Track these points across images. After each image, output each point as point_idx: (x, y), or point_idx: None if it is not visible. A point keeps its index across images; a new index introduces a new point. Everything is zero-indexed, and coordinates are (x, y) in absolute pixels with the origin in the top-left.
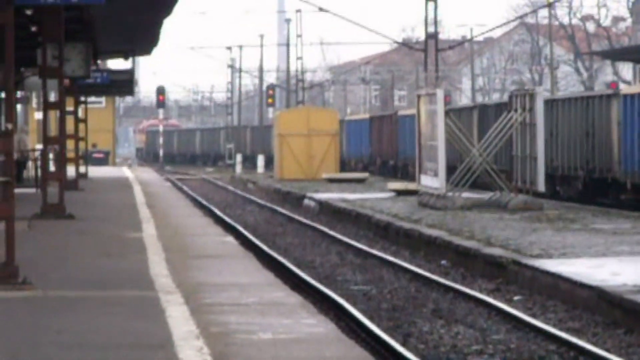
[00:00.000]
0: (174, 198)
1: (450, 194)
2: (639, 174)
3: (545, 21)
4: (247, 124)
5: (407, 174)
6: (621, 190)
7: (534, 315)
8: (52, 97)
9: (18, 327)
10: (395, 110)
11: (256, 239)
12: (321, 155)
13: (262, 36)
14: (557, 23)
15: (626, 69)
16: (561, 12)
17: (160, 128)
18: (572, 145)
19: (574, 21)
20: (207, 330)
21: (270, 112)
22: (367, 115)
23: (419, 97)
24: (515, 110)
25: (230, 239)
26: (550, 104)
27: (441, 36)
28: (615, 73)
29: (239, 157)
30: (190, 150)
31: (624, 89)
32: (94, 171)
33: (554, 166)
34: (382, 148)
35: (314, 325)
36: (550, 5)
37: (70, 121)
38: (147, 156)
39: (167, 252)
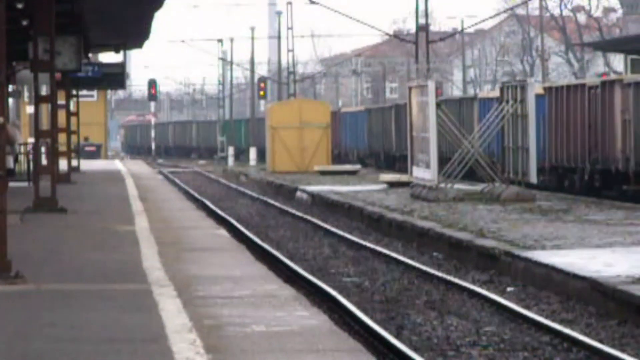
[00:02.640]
0: (166, 191)
1: (442, 185)
2: None
3: (536, 12)
4: (240, 117)
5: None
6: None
7: (527, 307)
8: (44, 90)
9: (11, 321)
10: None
11: (249, 232)
12: (313, 148)
13: (253, 29)
14: (548, 14)
15: (617, 60)
16: (552, 4)
17: (153, 121)
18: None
19: (565, 12)
20: (200, 323)
21: (262, 105)
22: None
23: (410, 88)
24: (507, 102)
25: (223, 231)
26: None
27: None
28: (607, 64)
29: (231, 150)
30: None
31: (480, 94)
32: (86, 164)
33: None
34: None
35: (307, 317)
36: None
37: (62, 115)
38: (128, 149)
39: (159, 245)
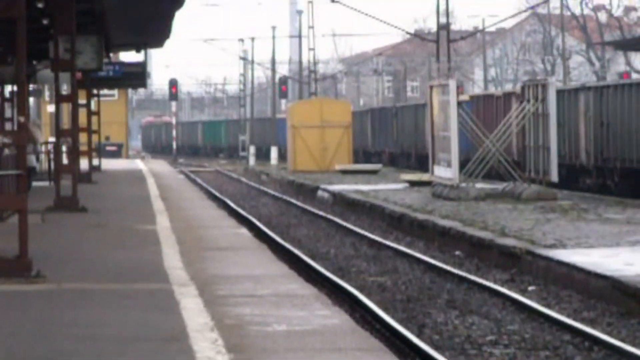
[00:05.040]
0: (187, 190)
1: (463, 184)
2: None
3: (557, 11)
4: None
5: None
6: None
7: (548, 306)
8: (65, 90)
9: (32, 320)
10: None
11: (270, 231)
12: (334, 147)
13: (274, 28)
14: (569, 13)
15: (639, 59)
16: (573, 2)
17: (174, 121)
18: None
19: (586, 11)
20: (222, 322)
21: (283, 104)
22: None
23: (431, 87)
24: (528, 101)
25: (244, 230)
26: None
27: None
28: (628, 63)
29: (252, 149)
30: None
31: (462, 96)
32: (107, 164)
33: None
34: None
35: (329, 316)
36: None
37: (82, 114)
38: (145, 149)
39: (181, 244)
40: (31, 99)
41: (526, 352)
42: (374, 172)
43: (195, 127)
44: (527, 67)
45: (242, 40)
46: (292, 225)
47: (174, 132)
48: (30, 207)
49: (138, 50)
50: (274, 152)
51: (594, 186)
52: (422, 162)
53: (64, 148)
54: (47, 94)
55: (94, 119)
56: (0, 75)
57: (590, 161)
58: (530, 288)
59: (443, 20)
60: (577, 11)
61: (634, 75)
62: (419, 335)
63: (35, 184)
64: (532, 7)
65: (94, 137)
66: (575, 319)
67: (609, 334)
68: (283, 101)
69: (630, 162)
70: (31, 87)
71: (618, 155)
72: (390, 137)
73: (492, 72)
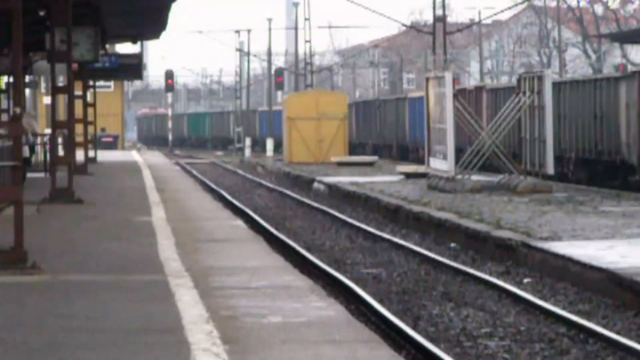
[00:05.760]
0: (183, 182)
1: (459, 176)
2: None
3: (554, 4)
4: (255, 108)
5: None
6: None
7: (543, 298)
8: (61, 81)
9: (27, 312)
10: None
11: (266, 223)
12: (330, 139)
13: (270, 20)
14: (565, 6)
15: (635, 51)
16: None
17: (169, 113)
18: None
19: (582, 3)
20: (217, 314)
21: (279, 96)
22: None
23: (427, 80)
24: (524, 93)
25: (239, 222)
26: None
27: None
28: (624, 55)
29: (247, 141)
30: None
31: (409, 94)
32: (103, 155)
33: None
34: None
35: (324, 308)
36: None
37: (79, 105)
38: (140, 140)
39: (176, 236)
40: (27, 91)
41: (521, 344)
42: (370, 164)
43: (182, 119)
44: (523, 59)
45: (238, 32)
46: (288, 217)
47: (170, 124)
48: (26, 199)
49: (134, 42)
50: (269, 143)
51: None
52: (403, 153)
53: (59, 139)
54: (43, 85)
55: (90, 110)
56: None
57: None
58: (526, 280)
59: (439, 12)
60: (574, 3)
61: (630, 68)
62: (415, 327)
63: (31, 175)
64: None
65: (90, 129)
66: (570, 312)
67: (605, 326)
68: (279, 93)
69: None
70: (27, 78)
71: None
72: (374, 130)
73: (488, 64)
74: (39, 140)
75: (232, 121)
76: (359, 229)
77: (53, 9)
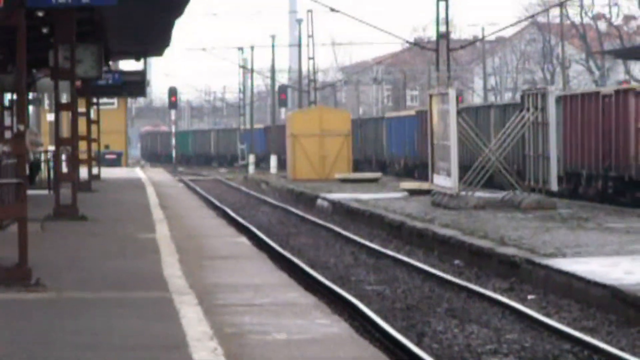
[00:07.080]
0: (187, 199)
1: (463, 193)
2: None
3: (557, 20)
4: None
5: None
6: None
7: (548, 315)
8: (64, 98)
9: (31, 329)
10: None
11: (270, 240)
12: (334, 156)
13: (273, 37)
14: (568, 22)
15: (638, 68)
16: (572, 11)
17: (173, 130)
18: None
19: (586, 20)
20: (221, 331)
21: (283, 113)
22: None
23: (431, 96)
24: (528, 110)
25: (243, 239)
26: None
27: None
28: (627, 72)
29: (251, 158)
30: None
31: (387, 114)
32: (107, 172)
33: None
34: None
35: (328, 325)
36: (561, 5)
37: (82, 122)
38: (144, 157)
39: (180, 253)
40: (31, 108)
41: None
42: (373, 180)
43: (186, 136)
44: (526, 75)
45: (241, 49)
46: (292, 234)
47: (173, 141)
48: (30, 216)
49: (138, 59)
50: (273, 160)
51: None
52: (381, 167)
53: (63, 156)
54: (46, 102)
55: (94, 127)
56: (0, 83)
57: None
58: (530, 297)
59: (443, 29)
60: (577, 20)
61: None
62: (419, 344)
63: (35, 192)
64: (532, 16)
65: (94, 146)
66: (574, 328)
67: (609, 343)
68: (282, 110)
69: None
70: (31, 95)
71: None
72: (356, 146)
73: (491, 80)
74: (42, 157)
75: (238, 138)
76: (362, 245)
77: (57, 26)
